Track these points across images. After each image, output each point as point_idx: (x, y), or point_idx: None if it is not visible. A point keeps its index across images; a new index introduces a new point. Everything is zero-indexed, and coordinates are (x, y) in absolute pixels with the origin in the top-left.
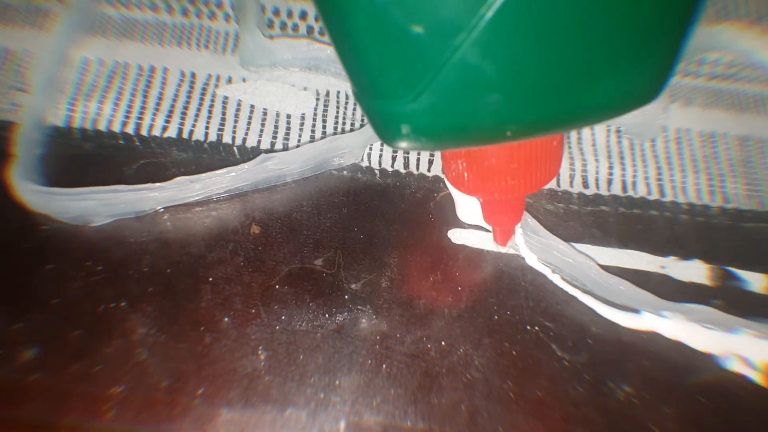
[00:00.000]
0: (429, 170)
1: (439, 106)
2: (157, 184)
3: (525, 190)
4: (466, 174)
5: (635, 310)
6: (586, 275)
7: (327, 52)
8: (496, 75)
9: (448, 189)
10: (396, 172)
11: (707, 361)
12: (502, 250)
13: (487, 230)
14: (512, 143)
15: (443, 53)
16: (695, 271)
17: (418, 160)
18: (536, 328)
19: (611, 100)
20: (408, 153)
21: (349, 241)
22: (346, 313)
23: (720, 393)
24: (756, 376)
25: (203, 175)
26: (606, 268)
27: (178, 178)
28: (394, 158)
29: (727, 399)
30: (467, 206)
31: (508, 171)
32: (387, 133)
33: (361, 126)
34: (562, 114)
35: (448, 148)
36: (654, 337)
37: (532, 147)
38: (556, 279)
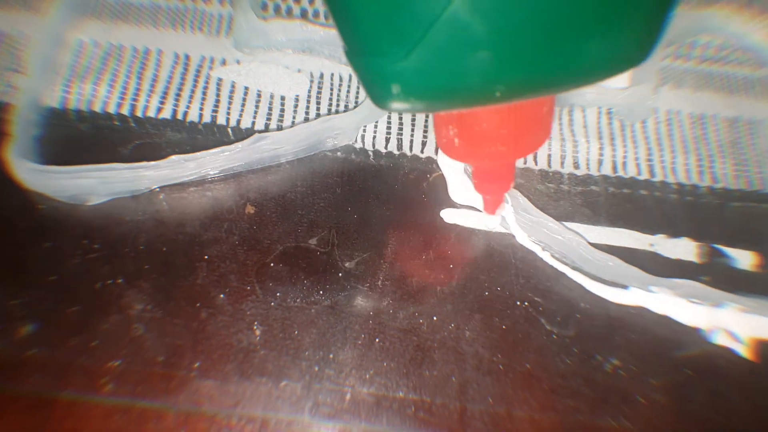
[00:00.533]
0: (422, 152)
1: (429, 65)
2: (152, 163)
3: (514, 156)
4: (456, 140)
5: (623, 286)
6: (576, 252)
7: (320, 33)
8: (486, 32)
9: (440, 170)
10: (389, 154)
11: (694, 334)
12: (491, 223)
13: (479, 210)
14: (503, 109)
15: (433, 9)
16: (683, 249)
17: (411, 141)
18: (526, 303)
19: (600, 60)
20: (401, 134)
21: (343, 220)
22: (340, 290)
23: (706, 365)
24: (741, 349)
25: (197, 153)
26: (595, 246)
27: (173, 157)
28: (387, 140)
29: (712, 371)
30: (460, 187)
31: (498, 137)
32: (377, 93)
33: (355, 107)
34: (551, 74)
35: (437, 109)
36: (642, 312)
37: (522, 112)
38: (545, 256)
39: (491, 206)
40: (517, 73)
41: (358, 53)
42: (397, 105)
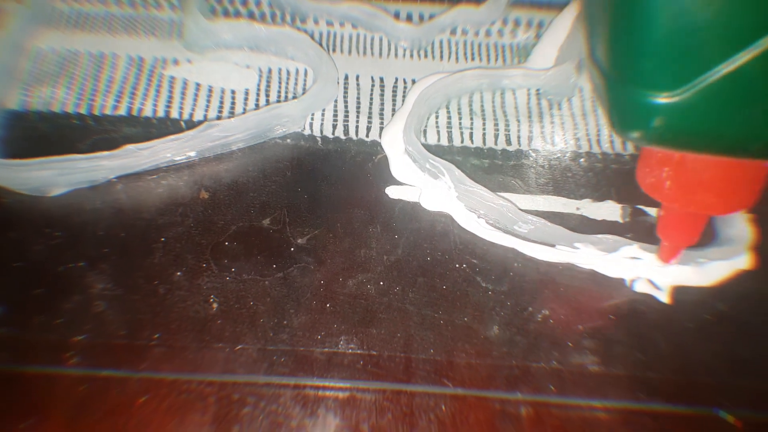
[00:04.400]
0: (367, 136)
1: (701, 107)
2: (107, 153)
3: (725, 209)
4: (668, 182)
5: (551, 245)
6: (506, 216)
7: (265, 32)
8: None
9: (384, 152)
10: (337, 139)
11: (618, 285)
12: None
13: (419, 187)
14: (732, 162)
15: (728, 58)
16: (607, 210)
17: (357, 127)
18: (464, 265)
19: None
20: (347, 121)
21: (294, 201)
22: (292, 263)
23: (629, 311)
24: (661, 296)
25: (150, 142)
26: (526, 212)
27: (128, 146)
28: (334, 126)
29: (635, 316)
30: (402, 166)
31: (716, 188)
32: (632, 122)
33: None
34: None
35: (687, 149)
36: (570, 268)
37: (748, 168)
38: (481, 229)
39: (667, 253)
40: None
41: (625, 81)
42: (647, 137)
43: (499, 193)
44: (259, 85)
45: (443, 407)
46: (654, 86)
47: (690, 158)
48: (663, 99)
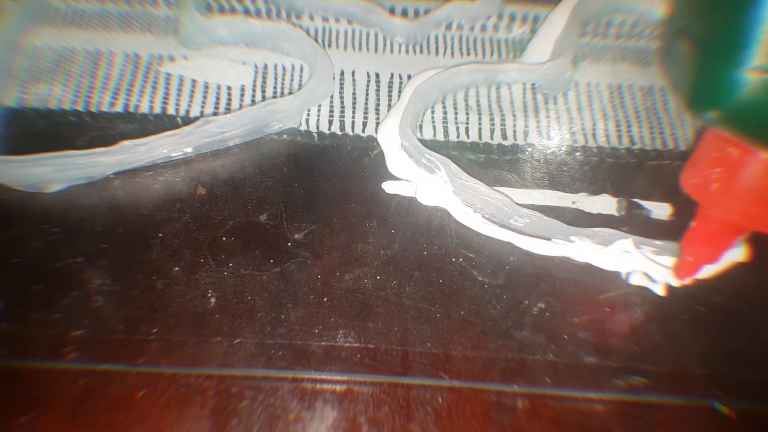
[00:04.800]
0: (363, 131)
1: None
2: (105, 149)
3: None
4: (716, 184)
5: (547, 239)
6: (502, 210)
7: (260, 28)
8: None
9: (380, 147)
10: (333, 135)
11: (613, 278)
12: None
13: (414, 182)
14: None
15: None
16: (603, 204)
17: (353, 122)
18: (461, 259)
19: None
20: (344, 116)
21: (291, 196)
22: (289, 258)
23: (624, 304)
24: (656, 288)
25: (147, 138)
26: (522, 206)
27: (125, 142)
28: (330, 122)
29: (630, 308)
30: (398, 161)
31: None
32: (713, 98)
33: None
34: None
35: (759, 138)
36: (566, 261)
37: None
38: (477, 224)
39: (686, 270)
40: None
41: (719, 52)
42: (725, 117)
43: (495, 188)
44: (254, 81)
45: (440, 399)
46: (750, 60)
47: (749, 162)
48: (755, 74)
